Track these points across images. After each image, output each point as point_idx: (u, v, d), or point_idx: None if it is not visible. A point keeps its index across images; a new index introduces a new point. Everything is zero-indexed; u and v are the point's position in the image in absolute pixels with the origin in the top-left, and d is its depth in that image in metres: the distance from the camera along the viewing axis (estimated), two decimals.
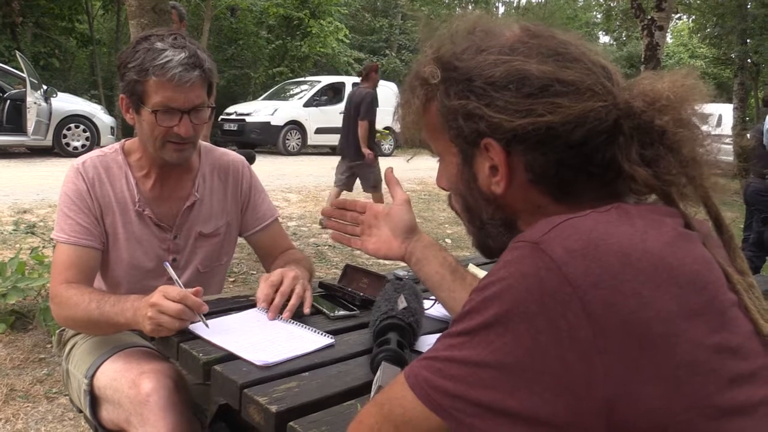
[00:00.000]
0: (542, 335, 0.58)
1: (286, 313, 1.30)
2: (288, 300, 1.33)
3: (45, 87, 9.32)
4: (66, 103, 9.86)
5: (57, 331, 1.68)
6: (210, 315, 1.26)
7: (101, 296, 1.36)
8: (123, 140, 1.61)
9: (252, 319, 1.30)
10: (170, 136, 1.45)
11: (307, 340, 1.20)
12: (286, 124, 13.34)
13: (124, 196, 1.53)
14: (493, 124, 0.72)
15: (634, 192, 0.73)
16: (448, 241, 6.07)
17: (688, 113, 0.72)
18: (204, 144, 1.68)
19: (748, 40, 19.41)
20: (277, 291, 1.33)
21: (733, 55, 20.90)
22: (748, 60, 19.37)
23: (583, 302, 0.58)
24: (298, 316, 1.31)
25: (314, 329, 1.24)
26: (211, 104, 1.50)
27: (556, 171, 0.72)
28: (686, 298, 0.60)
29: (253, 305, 1.35)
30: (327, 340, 1.20)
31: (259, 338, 1.19)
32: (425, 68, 0.79)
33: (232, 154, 1.72)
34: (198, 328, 1.21)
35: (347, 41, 20.23)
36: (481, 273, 1.61)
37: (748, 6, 19.25)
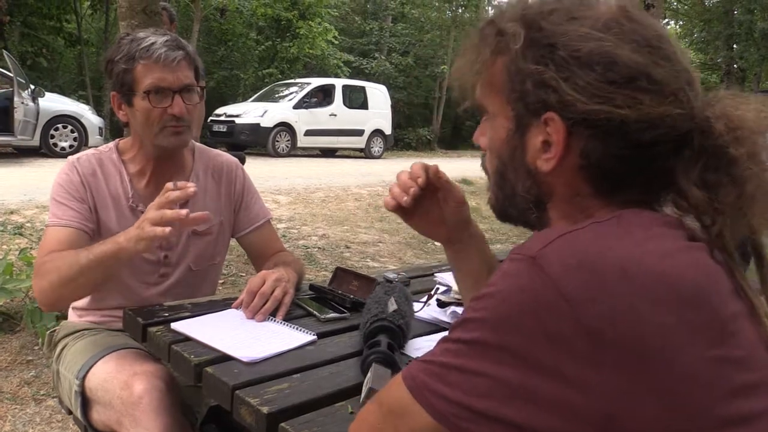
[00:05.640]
0: (538, 349, 0.58)
1: (258, 316, 1.30)
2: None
3: (32, 87, 9.24)
4: (53, 103, 9.77)
5: (47, 332, 1.68)
6: (197, 315, 1.29)
7: (88, 247, 1.37)
8: (117, 140, 1.64)
9: (236, 317, 1.31)
10: (166, 119, 1.48)
11: (289, 336, 1.22)
12: (276, 125, 13.32)
13: (117, 192, 1.55)
14: (564, 101, 0.67)
15: (677, 207, 0.71)
16: (438, 243, 6.09)
17: (762, 147, 0.68)
18: (198, 145, 1.70)
19: (734, 46, 19.62)
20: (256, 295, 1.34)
21: (719, 60, 21.12)
22: (734, 65, 19.57)
23: (580, 317, 0.57)
24: (284, 318, 1.32)
25: (296, 326, 1.26)
26: (201, 84, 1.54)
27: (611, 166, 0.69)
28: (685, 311, 0.60)
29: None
30: (309, 337, 1.22)
31: (243, 336, 1.20)
32: (508, 22, 0.72)
33: (225, 156, 1.74)
34: (186, 327, 1.22)
35: (336, 42, 20.23)
36: None
37: (735, 12, 19.46)
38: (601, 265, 0.60)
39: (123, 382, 1.31)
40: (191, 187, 1.28)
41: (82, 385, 1.41)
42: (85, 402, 1.41)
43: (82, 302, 1.62)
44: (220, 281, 4.13)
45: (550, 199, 0.75)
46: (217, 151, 1.75)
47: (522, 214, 0.79)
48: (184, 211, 1.25)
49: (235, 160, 1.75)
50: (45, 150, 9.56)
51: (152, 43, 1.44)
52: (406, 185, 1.03)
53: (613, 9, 0.70)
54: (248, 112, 13.43)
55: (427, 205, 1.07)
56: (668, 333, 0.58)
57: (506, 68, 0.72)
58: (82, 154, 1.58)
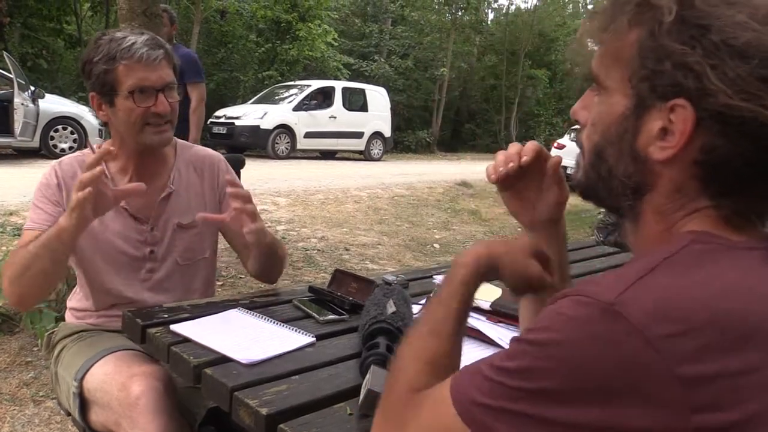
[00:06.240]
0: (624, 403, 0.55)
1: (247, 206, 1.37)
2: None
3: (32, 88, 9.25)
4: (53, 104, 9.79)
5: (46, 334, 1.69)
6: (196, 316, 1.29)
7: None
8: (101, 142, 1.64)
9: (235, 318, 1.32)
10: (148, 117, 1.49)
11: (288, 338, 1.22)
12: (276, 127, 13.34)
13: None
14: (705, 90, 0.61)
15: None
16: (437, 246, 6.10)
17: None
18: (179, 141, 1.71)
19: None
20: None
21: None
22: None
23: (670, 364, 0.54)
24: (283, 319, 1.33)
25: (295, 328, 1.26)
26: (182, 82, 1.55)
27: (733, 168, 0.63)
28: None
29: (236, 306, 1.37)
30: (308, 339, 1.22)
31: (243, 338, 1.21)
32: None
33: (207, 150, 1.75)
34: (185, 329, 1.22)
35: (336, 44, 20.26)
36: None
37: None
38: (684, 308, 0.56)
39: (121, 383, 1.31)
40: (105, 146, 1.31)
41: (80, 387, 1.41)
42: (83, 403, 1.42)
43: (78, 304, 1.63)
44: (219, 283, 4.13)
45: (650, 189, 0.69)
46: (199, 146, 1.77)
47: (613, 198, 0.73)
48: (98, 169, 1.27)
49: (218, 153, 1.76)
50: (45, 151, 9.56)
51: (133, 43, 1.45)
52: (509, 158, 0.95)
53: None
54: (248, 114, 13.45)
55: (525, 186, 0.99)
56: (759, 372, 0.55)
57: (639, 43, 0.65)
58: (66, 157, 1.60)
